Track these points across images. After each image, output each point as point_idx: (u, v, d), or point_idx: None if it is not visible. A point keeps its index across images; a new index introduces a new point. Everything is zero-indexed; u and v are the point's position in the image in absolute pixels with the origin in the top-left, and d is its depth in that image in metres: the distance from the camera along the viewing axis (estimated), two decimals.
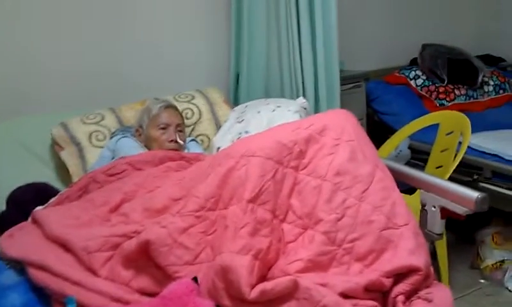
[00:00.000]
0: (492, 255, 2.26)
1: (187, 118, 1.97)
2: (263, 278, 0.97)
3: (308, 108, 1.92)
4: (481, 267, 2.25)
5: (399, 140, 2.43)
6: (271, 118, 1.78)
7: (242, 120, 1.86)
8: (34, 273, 1.09)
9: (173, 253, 1.01)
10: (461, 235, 2.53)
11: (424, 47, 3.11)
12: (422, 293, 0.95)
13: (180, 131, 1.73)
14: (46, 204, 1.41)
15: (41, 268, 1.09)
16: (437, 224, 1.10)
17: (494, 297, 2.12)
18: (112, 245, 1.08)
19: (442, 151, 2.14)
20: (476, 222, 2.40)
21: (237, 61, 2.43)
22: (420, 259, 0.97)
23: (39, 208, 1.41)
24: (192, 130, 1.98)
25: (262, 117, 1.82)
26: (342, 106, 2.74)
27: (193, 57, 2.42)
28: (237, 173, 1.08)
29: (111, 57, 2.16)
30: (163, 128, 1.69)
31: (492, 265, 2.23)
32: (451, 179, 2.22)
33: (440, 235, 1.11)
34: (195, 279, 0.95)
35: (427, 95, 2.85)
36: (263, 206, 1.04)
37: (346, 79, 2.79)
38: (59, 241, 1.13)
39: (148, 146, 1.70)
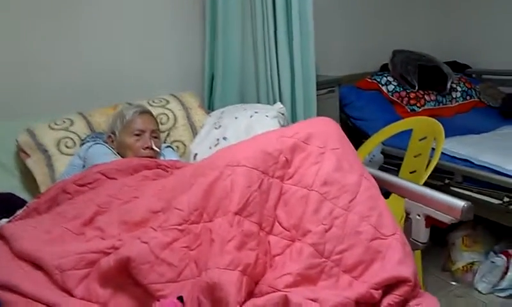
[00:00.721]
0: (462, 257, 2.32)
1: (161, 123, 1.91)
2: (251, 294, 0.93)
3: (286, 113, 1.90)
4: (452, 269, 2.30)
5: (373, 145, 2.46)
6: (249, 124, 1.74)
7: (220, 126, 1.82)
8: (1, 295, 1.01)
9: (155, 270, 0.95)
10: (433, 237, 2.59)
11: (395, 53, 3.17)
12: (412, 303, 0.94)
13: (156, 137, 1.67)
14: (12, 217, 1.32)
15: (9, 288, 1.01)
16: (422, 233, 1.10)
17: (465, 299, 2.17)
18: (87, 263, 1.01)
19: (415, 156, 2.17)
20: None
21: (211, 64, 2.39)
22: (408, 270, 0.96)
23: (3, 220, 1.32)
24: (167, 136, 1.92)
25: (239, 123, 1.78)
26: (317, 111, 2.76)
27: (166, 60, 2.35)
28: (222, 183, 1.03)
29: (81, 60, 2.07)
30: (137, 135, 1.62)
31: (462, 267, 2.28)
32: (423, 184, 2.29)
33: (425, 243, 1.11)
34: (180, 298, 0.90)
35: (399, 101, 2.90)
36: (249, 218, 1.01)
37: (320, 84, 2.81)
38: (30, 258, 1.06)
39: (121, 154, 1.63)
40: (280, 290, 0.91)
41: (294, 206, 1.04)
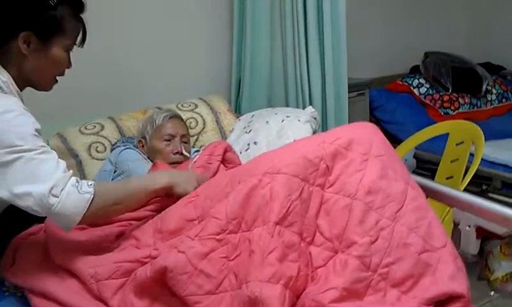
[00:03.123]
0: (501, 266, 2.21)
1: (190, 128, 1.88)
2: None
3: (318, 118, 1.84)
4: (491, 279, 2.20)
5: (407, 150, 2.38)
6: (281, 128, 1.70)
7: (250, 130, 1.78)
8: (35, 301, 0.99)
9: (194, 281, 0.91)
10: None
11: (427, 54, 3.07)
12: None
13: (185, 142, 1.64)
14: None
15: (44, 295, 0.99)
16: (472, 245, 1.03)
17: None
18: (124, 272, 0.98)
19: (452, 161, 2.08)
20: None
21: (238, 67, 2.35)
22: (462, 285, 0.90)
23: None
24: (196, 140, 1.89)
25: (271, 127, 1.74)
26: (349, 115, 2.70)
27: (194, 63, 2.33)
28: (261, 191, 0.99)
29: (110, 63, 2.06)
30: (167, 140, 1.60)
31: (502, 277, 2.18)
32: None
33: (475, 255, 1.04)
34: None
35: (431, 104, 2.81)
36: (290, 228, 0.96)
37: (350, 87, 2.74)
38: (63, 265, 1.04)
39: (151, 158, 1.61)
40: (325, 305, 0.86)
41: (336, 216, 0.99)
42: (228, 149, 1.47)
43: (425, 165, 2.48)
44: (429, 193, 1.14)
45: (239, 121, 1.93)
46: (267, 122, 1.77)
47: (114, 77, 2.07)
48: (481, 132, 1.95)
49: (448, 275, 0.91)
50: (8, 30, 1.04)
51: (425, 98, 2.85)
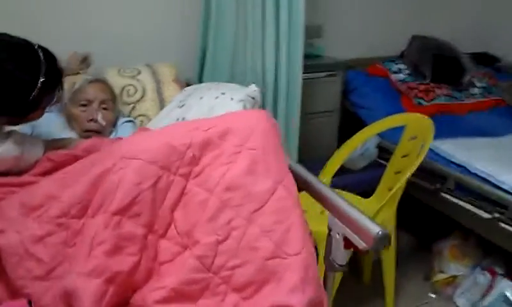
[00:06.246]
0: (448, 268, 2.14)
1: (128, 95, 1.82)
2: (122, 305, 0.84)
3: (258, 98, 1.75)
4: (433, 281, 2.14)
5: (362, 139, 2.27)
6: (212, 106, 1.62)
7: (183, 105, 1.70)
8: None
9: (23, 265, 0.88)
10: (422, 241, 2.42)
11: (414, 38, 2.91)
12: None
13: (106, 108, 1.57)
14: None
15: None
16: (340, 254, 0.96)
17: None
18: None
19: (403, 156, 1.99)
20: (438, 231, 2.28)
21: (204, 37, 2.25)
22: (300, 298, 0.84)
23: None
24: (133, 109, 1.83)
25: (203, 104, 1.66)
26: (314, 95, 2.59)
27: (162, 31, 2.24)
28: (111, 177, 0.94)
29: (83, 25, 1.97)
30: (84, 105, 1.53)
31: (444, 279, 2.11)
32: (412, 185, 2.10)
33: (343, 266, 0.98)
34: (29, 302, 0.82)
35: (406, 92, 2.67)
36: (134, 220, 0.91)
37: (324, 67, 2.63)
38: None
39: (71, 126, 1.56)
40: (148, 305, 0.82)
41: (191, 211, 0.93)
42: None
43: (387, 156, 2.38)
44: (307, 189, 1.07)
45: (181, 93, 1.85)
46: (201, 98, 1.69)
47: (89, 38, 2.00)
48: (432, 126, 1.83)
49: (290, 287, 0.85)
50: None
51: (401, 85, 2.71)
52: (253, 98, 1.72)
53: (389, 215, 1.91)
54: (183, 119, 1.64)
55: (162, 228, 0.94)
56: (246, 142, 0.98)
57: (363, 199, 2.07)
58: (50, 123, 1.52)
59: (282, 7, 1.92)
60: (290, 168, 1.14)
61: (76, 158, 1.17)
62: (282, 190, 0.96)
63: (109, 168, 0.95)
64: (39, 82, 1.05)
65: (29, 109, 1.10)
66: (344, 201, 0.97)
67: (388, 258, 1.94)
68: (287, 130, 2.05)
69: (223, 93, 1.69)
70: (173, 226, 0.95)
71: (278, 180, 0.97)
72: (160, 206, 0.94)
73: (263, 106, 2.05)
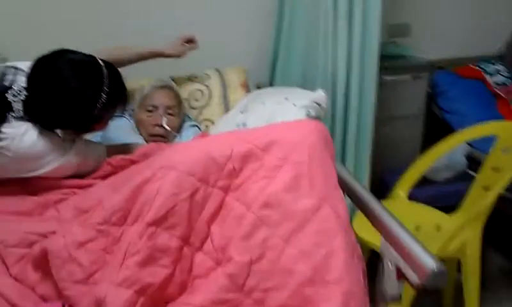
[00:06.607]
0: None
1: (195, 100, 1.84)
2: None
3: (325, 103, 1.65)
4: None
5: (450, 146, 2.05)
6: (272, 112, 1.56)
7: (246, 110, 1.67)
8: None
9: (65, 268, 0.90)
10: None
11: None
12: None
13: (171, 114, 1.60)
14: None
15: None
16: (392, 285, 0.84)
17: None
18: (29, 243, 1.01)
19: (494, 169, 1.74)
20: None
21: (276, 40, 2.21)
22: None
23: None
24: (200, 113, 1.84)
25: (265, 109, 1.61)
26: (397, 98, 2.41)
27: (236, 35, 2.24)
28: (150, 186, 0.93)
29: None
30: (150, 111, 1.58)
31: None
32: (504, 200, 1.82)
33: (395, 298, 0.85)
34: (63, 306, 0.84)
35: (505, 97, 2.36)
36: (170, 231, 0.89)
37: (408, 67, 2.43)
38: None
39: (138, 130, 1.61)
40: None
41: (228, 225, 0.89)
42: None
43: (475, 167, 2.12)
44: (360, 208, 0.96)
45: (245, 97, 1.83)
46: (263, 103, 1.65)
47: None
48: None
49: None
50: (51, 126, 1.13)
51: (499, 89, 2.40)
52: (319, 104, 1.62)
53: (474, 234, 1.69)
54: (244, 124, 1.61)
55: (199, 240, 0.91)
56: (291, 155, 0.91)
57: (445, 214, 1.86)
58: (120, 127, 1.59)
59: (356, 5, 1.80)
60: (345, 183, 1.04)
61: (133, 163, 1.20)
62: (327, 209, 0.87)
63: (149, 178, 0.94)
64: (101, 97, 1.09)
65: (92, 123, 1.14)
66: (400, 225, 0.85)
67: (471, 283, 1.71)
68: (358, 138, 1.92)
69: (286, 99, 1.62)
70: (209, 239, 0.91)
71: (324, 197, 0.88)
72: (197, 218, 0.91)
73: (333, 111, 1.95)
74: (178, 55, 1.62)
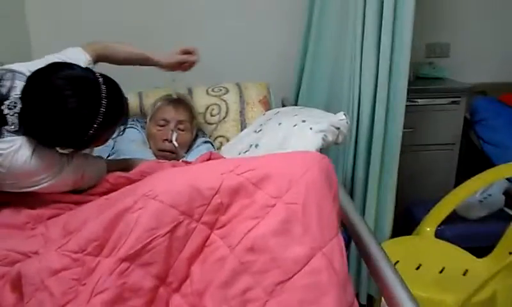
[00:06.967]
0: None
1: (211, 115, 1.77)
2: None
3: (345, 128, 1.52)
4: None
5: (488, 181, 1.89)
6: (286, 136, 1.46)
7: (260, 130, 1.59)
8: None
9: (36, 296, 0.84)
10: None
11: None
12: None
13: (182, 129, 1.54)
14: None
15: None
16: None
17: None
18: (10, 261, 0.96)
19: None
20: None
21: (303, 58, 2.12)
22: None
23: None
24: (215, 129, 1.77)
25: (281, 130, 1.51)
26: (431, 124, 2.25)
27: (263, 48, 2.20)
28: (130, 216, 0.85)
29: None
30: (161, 125, 1.52)
31: None
32: None
33: None
34: None
35: None
36: (145, 268, 0.81)
37: (444, 91, 2.28)
38: None
39: (149, 143, 1.56)
40: None
41: (209, 267, 0.80)
42: (212, 158, 1.30)
43: None
44: (364, 258, 0.84)
45: (263, 115, 1.74)
46: (279, 124, 1.55)
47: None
48: None
49: None
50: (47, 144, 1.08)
51: None
52: (338, 128, 1.51)
53: (508, 285, 1.51)
54: (256, 146, 1.52)
55: (177, 281, 0.83)
56: (285, 194, 0.81)
57: (475, 258, 1.69)
58: (132, 139, 1.55)
59: (385, 26, 1.68)
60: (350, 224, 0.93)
61: (130, 181, 1.14)
62: (320, 260, 0.76)
63: (130, 206, 0.87)
64: (98, 117, 1.03)
65: (89, 142, 1.08)
66: (403, 286, 0.73)
67: None
68: (381, 167, 1.79)
69: (304, 121, 1.52)
70: (188, 281, 0.82)
71: (318, 246, 0.77)
72: (177, 256, 0.83)
73: (356, 137, 1.83)
74: (170, 68, 1.47)
